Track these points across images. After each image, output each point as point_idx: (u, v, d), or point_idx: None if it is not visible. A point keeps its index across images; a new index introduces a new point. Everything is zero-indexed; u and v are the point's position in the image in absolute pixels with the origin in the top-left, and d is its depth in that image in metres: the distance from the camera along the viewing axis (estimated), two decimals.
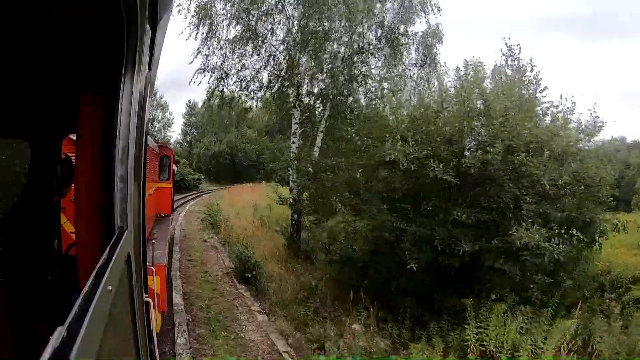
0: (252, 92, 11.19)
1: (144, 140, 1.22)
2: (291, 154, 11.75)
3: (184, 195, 28.07)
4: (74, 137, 2.69)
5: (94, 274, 0.64)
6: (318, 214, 11.28)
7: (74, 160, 2.16)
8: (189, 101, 61.61)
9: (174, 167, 11.55)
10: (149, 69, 1.19)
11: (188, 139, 58.42)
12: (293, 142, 11.71)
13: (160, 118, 52.62)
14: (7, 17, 1.13)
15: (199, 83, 11.01)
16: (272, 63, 11.46)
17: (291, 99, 11.74)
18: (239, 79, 10.90)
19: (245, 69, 11.03)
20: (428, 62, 13.98)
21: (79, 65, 1.37)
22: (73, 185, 1.91)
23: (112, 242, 0.83)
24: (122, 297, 0.86)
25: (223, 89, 11.02)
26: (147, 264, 1.91)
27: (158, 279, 4.07)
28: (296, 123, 11.73)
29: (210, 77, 10.97)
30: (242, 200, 25.18)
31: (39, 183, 2.52)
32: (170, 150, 11.19)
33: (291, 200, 12.03)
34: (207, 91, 11.05)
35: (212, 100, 11.15)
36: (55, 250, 2.74)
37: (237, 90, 11.05)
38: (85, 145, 1.17)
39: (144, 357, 1.18)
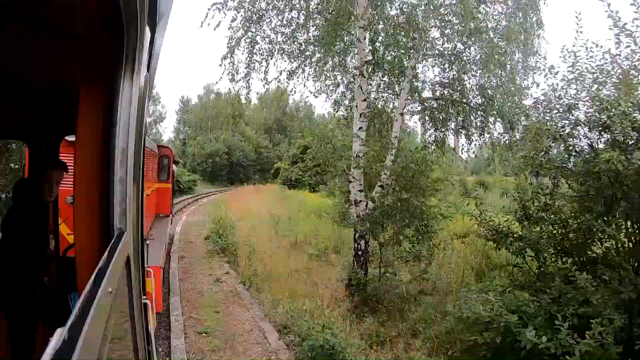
0: (302, 46, 6.98)
1: (142, 142, 1.22)
2: (357, 147, 7.55)
3: (179, 201, 23.49)
4: (70, 138, 2.87)
5: (94, 275, 0.63)
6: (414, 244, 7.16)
7: (68, 163, 2.56)
8: (182, 97, 57.08)
9: (174, 167, 10.88)
10: (148, 70, 1.20)
11: (181, 137, 53.77)
12: (360, 129, 7.51)
13: (151, 112, 47.92)
14: (6, 19, 1.15)
15: (217, 25, 6.73)
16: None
17: (356, 61, 7.57)
18: (281, 22, 6.71)
19: (292, 9, 6.83)
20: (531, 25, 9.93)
21: (77, 66, 1.30)
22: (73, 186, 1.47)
23: (111, 243, 0.84)
24: (121, 299, 0.88)
25: (255, 36, 6.80)
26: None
27: (153, 281, 3.80)
28: (365, 100, 7.55)
29: (233, 20, 6.77)
30: (251, 207, 20.83)
31: (35, 184, 2.51)
32: (170, 150, 10.49)
33: (355, 218, 7.83)
34: (229, 42, 6.80)
35: (239, 54, 6.95)
36: (49, 251, 2.67)
37: (279, 41, 6.86)
38: (84, 147, 1.08)
39: (143, 358, 1.17)
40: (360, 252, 7.75)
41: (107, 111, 0.95)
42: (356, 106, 7.64)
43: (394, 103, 8.99)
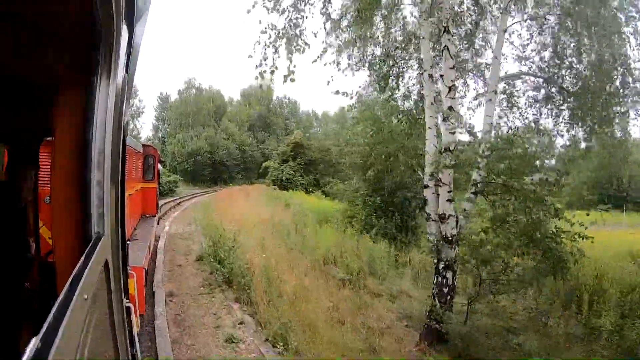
0: None
1: (121, 143, 1.22)
2: (447, 137, 5.12)
3: (160, 205, 20.15)
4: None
5: (68, 282, 0.62)
6: None
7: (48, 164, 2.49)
8: (161, 93, 52.71)
9: (159, 167, 10.41)
10: (127, 70, 1.18)
11: (160, 135, 49.57)
12: (450, 108, 5.08)
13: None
14: None
15: None
16: None
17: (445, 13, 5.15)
18: None
19: None
20: None
21: (54, 67, 1.29)
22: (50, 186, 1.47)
23: (87, 249, 0.82)
24: (100, 305, 0.86)
25: None
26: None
27: (135, 282, 3.85)
28: (454, 67, 5.12)
29: None
30: (243, 212, 17.82)
31: (12, 186, 2.46)
32: (155, 149, 10.28)
33: (433, 240, 5.40)
34: None
35: None
36: (30, 254, 2.62)
37: None
38: (61, 149, 1.06)
39: None
40: (446, 289, 5.30)
41: (84, 113, 0.93)
42: (440, 77, 5.17)
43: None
